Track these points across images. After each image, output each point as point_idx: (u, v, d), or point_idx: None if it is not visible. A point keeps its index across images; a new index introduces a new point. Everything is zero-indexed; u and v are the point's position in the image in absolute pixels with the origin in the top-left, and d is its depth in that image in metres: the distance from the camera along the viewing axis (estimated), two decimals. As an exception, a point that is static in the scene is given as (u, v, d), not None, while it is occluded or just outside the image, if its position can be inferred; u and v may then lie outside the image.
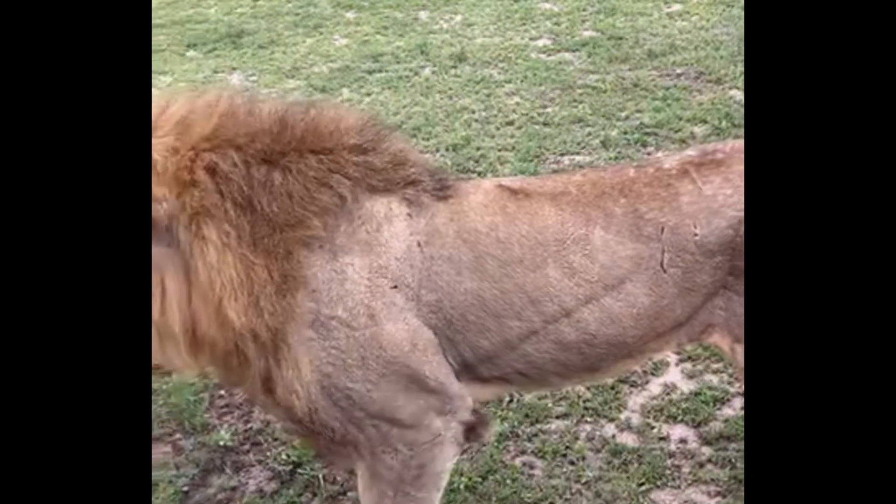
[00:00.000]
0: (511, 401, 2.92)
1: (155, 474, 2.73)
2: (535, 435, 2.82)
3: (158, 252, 1.71)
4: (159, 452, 2.83)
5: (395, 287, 1.84)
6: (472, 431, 2.02)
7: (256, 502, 2.63)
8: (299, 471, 2.72)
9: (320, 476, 2.69)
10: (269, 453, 2.81)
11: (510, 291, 1.88)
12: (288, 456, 2.76)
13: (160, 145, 1.72)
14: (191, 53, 6.41)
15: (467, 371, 1.96)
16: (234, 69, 6.07)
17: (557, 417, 2.88)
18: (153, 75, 6.00)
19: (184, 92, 1.87)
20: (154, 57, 6.32)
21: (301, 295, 1.78)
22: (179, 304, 1.74)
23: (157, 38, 6.69)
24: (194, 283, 1.73)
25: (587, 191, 1.93)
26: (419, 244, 1.87)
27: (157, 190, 1.69)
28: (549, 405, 2.92)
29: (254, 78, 5.89)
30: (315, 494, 2.66)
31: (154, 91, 1.74)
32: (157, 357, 1.88)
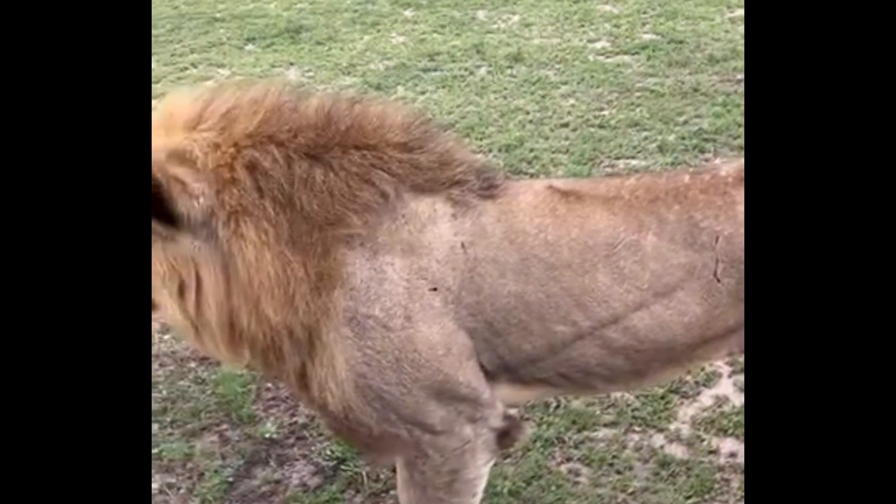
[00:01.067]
0: (557, 406, 2.89)
1: (202, 463, 2.76)
2: (582, 442, 2.78)
3: (194, 246, 1.73)
4: (206, 442, 2.86)
5: (435, 289, 1.81)
6: (504, 437, 1.99)
7: (299, 496, 2.64)
8: (343, 467, 2.72)
9: (364, 473, 2.69)
10: (313, 448, 2.81)
11: (556, 295, 1.85)
12: (332, 451, 2.76)
13: (202, 140, 1.72)
14: (249, 47, 6.48)
15: (507, 373, 1.94)
16: (291, 64, 6.12)
17: (605, 425, 2.83)
18: (212, 67, 6.09)
19: (231, 86, 1.87)
20: (213, 50, 6.42)
21: (337, 293, 1.77)
22: (216, 299, 1.75)
23: (218, 32, 6.78)
24: (233, 279, 1.74)
25: (640, 196, 1.89)
26: (463, 245, 1.84)
27: (196, 185, 1.70)
28: (597, 412, 2.87)
29: (310, 74, 5.93)
30: (358, 491, 2.65)
31: (204, 84, 1.75)
32: (199, 349, 1.92)
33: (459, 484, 1.95)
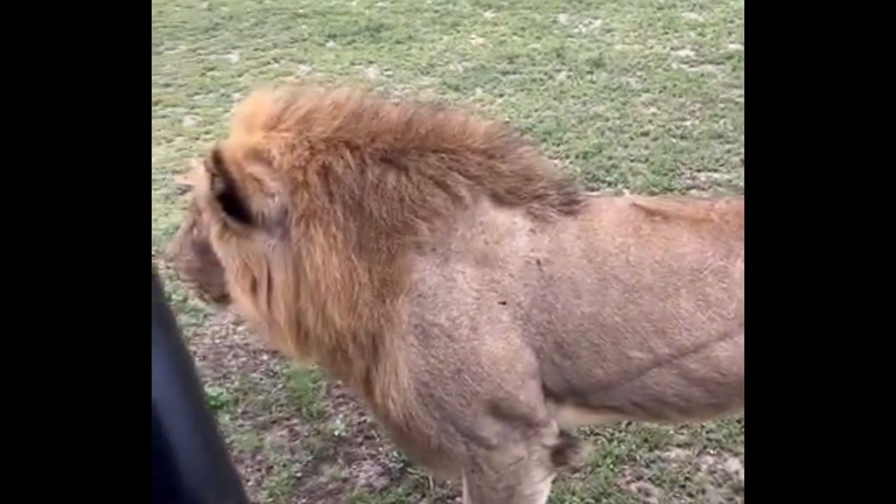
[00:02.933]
0: (629, 423, 2.82)
1: (271, 457, 2.79)
2: (654, 461, 2.71)
3: (268, 244, 1.73)
4: (276, 435, 2.89)
5: (504, 303, 1.77)
6: (560, 455, 1.94)
7: (365, 497, 2.64)
8: (410, 470, 2.71)
9: (430, 478, 2.67)
10: (381, 448, 2.81)
11: (635, 319, 1.77)
12: (399, 453, 2.76)
13: (280, 140, 1.73)
14: (330, 44, 6.55)
15: (574, 397, 1.88)
16: (370, 62, 6.16)
17: (678, 446, 2.76)
18: (293, 63, 6.17)
19: (315, 87, 1.87)
20: (295, 46, 6.51)
21: (402, 300, 1.74)
22: (286, 298, 1.75)
23: (300, 28, 6.88)
24: (302, 280, 1.73)
25: (731, 220, 1.81)
26: (539, 262, 1.79)
27: (272, 184, 1.70)
28: (671, 432, 2.80)
29: (389, 73, 5.96)
30: (424, 495, 2.64)
31: (288, 82, 1.76)
32: (270, 344, 1.90)
33: (517, 499, 1.91)
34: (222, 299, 1.90)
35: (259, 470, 2.76)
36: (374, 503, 2.63)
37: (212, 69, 6.19)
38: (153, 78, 6.04)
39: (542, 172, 1.88)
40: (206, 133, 5.15)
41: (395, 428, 1.90)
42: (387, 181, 1.73)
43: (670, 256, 1.79)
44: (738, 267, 1.76)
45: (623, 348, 1.78)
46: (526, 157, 1.88)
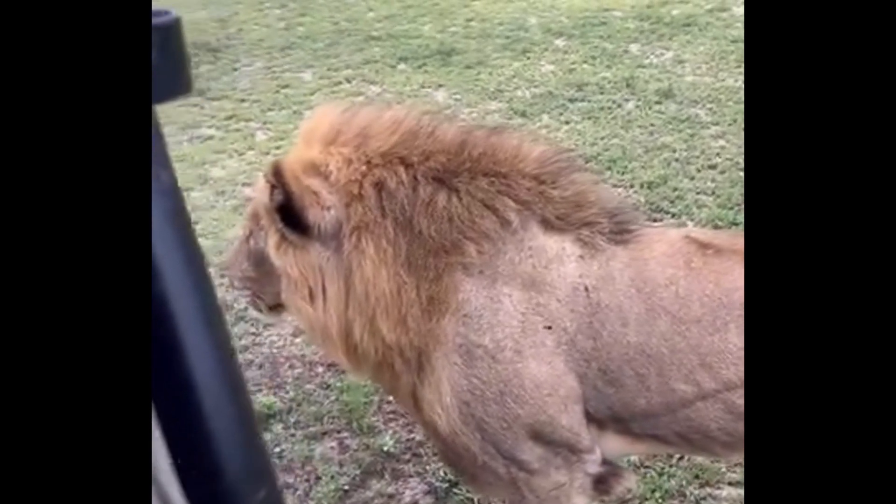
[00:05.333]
0: (681, 458, 2.77)
1: (320, 468, 2.83)
2: (704, 499, 2.66)
3: (323, 256, 1.76)
4: (326, 447, 2.93)
5: (549, 328, 1.76)
6: (602, 483, 1.92)
7: (410, 513, 2.66)
8: (455, 490, 2.71)
9: (476, 500, 2.67)
10: (428, 467, 2.82)
11: (681, 351, 1.75)
12: (445, 473, 2.76)
13: (338, 154, 1.76)
14: (401, 67, 6.65)
15: (616, 424, 1.86)
16: (440, 86, 6.24)
17: (730, 484, 2.70)
18: (365, 84, 6.29)
19: (376, 104, 1.91)
20: (367, 67, 6.63)
21: (448, 319, 1.76)
22: (337, 310, 1.78)
23: (373, 50, 7.01)
24: (352, 292, 1.76)
25: None
26: (587, 288, 1.78)
27: (329, 197, 1.74)
28: (722, 469, 2.74)
29: (458, 96, 6.03)
30: (468, 516, 2.64)
31: (353, 100, 1.80)
32: (325, 355, 1.89)
33: None
34: (276, 308, 1.95)
35: (307, 480, 2.80)
36: (419, 521, 2.64)
37: (286, 86, 6.35)
38: (229, 93, 6.23)
39: (595, 199, 1.87)
40: (277, 148, 5.27)
41: (441, 443, 1.91)
42: (437, 201, 1.75)
43: (720, 290, 1.76)
44: None
45: (668, 380, 1.77)
46: (578, 182, 1.88)
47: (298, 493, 2.75)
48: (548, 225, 1.81)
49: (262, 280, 1.90)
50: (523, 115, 5.59)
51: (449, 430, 1.82)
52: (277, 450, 2.91)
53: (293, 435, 2.98)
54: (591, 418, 1.85)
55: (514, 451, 1.83)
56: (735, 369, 1.75)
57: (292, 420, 3.05)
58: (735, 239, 1.88)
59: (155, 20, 0.44)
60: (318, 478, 2.79)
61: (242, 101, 6.10)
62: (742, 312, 1.75)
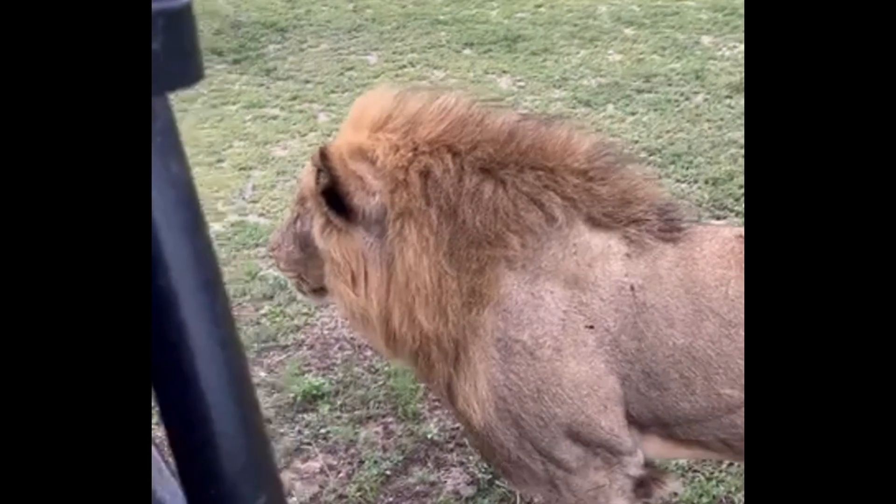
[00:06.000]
0: (731, 464, 2.70)
1: (363, 451, 2.84)
2: (753, 507, 2.58)
3: (366, 241, 1.75)
4: (371, 431, 2.93)
5: (591, 327, 1.72)
6: (643, 486, 1.88)
7: (450, 503, 2.64)
8: (498, 483, 2.69)
9: (518, 494, 2.64)
10: (471, 457, 2.81)
11: (729, 355, 1.69)
12: (489, 464, 2.74)
13: (385, 140, 1.75)
14: (467, 52, 6.61)
15: (659, 428, 1.81)
16: (504, 72, 6.18)
17: (782, 494, 2.62)
18: (429, 68, 6.27)
19: (426, 90, 1.88)
20: (432, 52, 6.61)
21: (488, 312, 1.73)
22: (378, 296, 1.77)
23: (439, 34, 6.98)
24: (393, 279, 1.75)
25: None
26: (632, 288, 1.73)
27: (374, 183, 1.73)
28: (775, 479, 2.66)
29: (521, 83, 5.96)
30: (509, 510, 2.62)
31: (415, 83, 1.77)
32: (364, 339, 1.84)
33: None
34: (318, 291, 1.95)
35: (351, 463, 2.81)
36: (459, 511, 2.63)
37: (350, 69, 6.37)
38: (294, 73, 6.28)
39: (644, 195, 1.82)
40: (339, 130, 5.30)
41: (476, 437, 1.89)
42: (483, 191, 1.72)
43: None
44: None
45: (714, 384, 1.71)
46: (628, 178, 1.83)
47: (341, 475, 2.77)
48: (594, 222, 1.77)
49: (307, 263, 1.90)
50: (587, 104, 5.50)
51: (484, 425, 1.80)
52: (323, 431, 2.92)
53: (339, 417, 3.00)
54: (634, 421, 1.80)
55: (552, 450, 1.80)
56: None
57: (339, 402, 3.06)
58: None
59: (162, 4, 0.42)
60: (362, 462, 2.80)
61: (307, 82, 6.15)
62: None
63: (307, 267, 1.91)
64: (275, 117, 5.56)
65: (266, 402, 3.10)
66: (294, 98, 5.85)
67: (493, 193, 1.72)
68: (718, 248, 1.78)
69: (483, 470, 2.74)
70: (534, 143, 1.78)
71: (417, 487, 2.72)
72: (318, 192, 1.76)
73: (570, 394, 1.74)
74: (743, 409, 1.71)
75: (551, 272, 1.74)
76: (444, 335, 1.74)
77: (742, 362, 1.69)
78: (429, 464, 2.79)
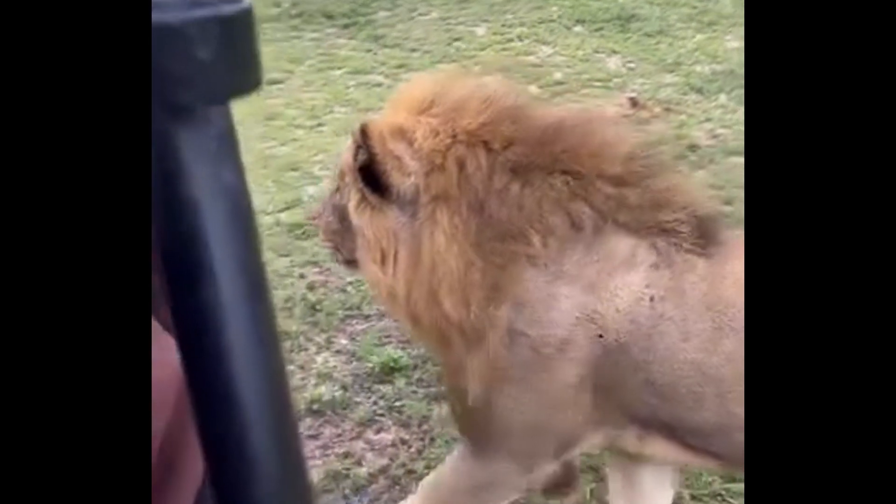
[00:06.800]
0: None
1: (435, 429, 2.83)
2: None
3: (398, 221, 1.77)
4: (444, 409, 2.92)
5: (602, 337, 1.71)
6: (554, 487, 1.96)
7: (519, 491, 2.61)
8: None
9: (588, 489, 2.59)
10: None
11: (740, 376, 1.62)
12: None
13: (426, 123, 1.76)
14: (577, 29, 6.46)
15: (666, 431, 1.81)
16: (614, 52, 6.01)
17: None
18: (537, 44, 6.16)
19: (474, 77, 1.88)
20: (542, 27, 6.49)
21: (506, 307, 1.74)
22: (405, 276, 1.79)
23: (550, 9, 6.84)
24: (421, 261, 1.77)
25: None
26: (652, 299, 1.70)
27: (411, 163, 1.74)
28: None
29: (632, 65, 5.78)
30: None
31: (456, 67, 1.85)
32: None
33: (481, 494, 1.96)
34: (352, 263, 1.98)
35: (422, 439, 2.81)
36: (522, 500, 2.59)
37: (458, 39, 6.32)
38: (402, 42, 6.28)
39: (683, 202, 1.77)
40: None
41: (463, 411, 1.94)
42: (511, 189, 1.72)
43: None
44: None
45: (726, 402, 1.69)
46: (665, 184, 1.78)
47: (412, 450, 2.77)
48: (623, 227, 1.74)
49: (343, 235, 1.93)
50: (699, 91, 5.29)
51: (474, 400, 1.84)
52: (398, 404, 2.93)
53: (415, 392, 3.00)
54: (637, 419, 1.81)
55: (505, 432, 1.85)
56: None
57: (415, 377, 3.06)
58: None
59: (215, 10, 0.39)
60: (433, 439, 2.80)
61: (414, 50, 6.13)
62: None
63: (343, 239, 1.94)
64: (379, 84, 5.58)
65: (345, 370, 3.13)
66: (400, 66, 5.85)
67: (520, 192, 1.72)
68: None
69: (554, 461, 2.70)
70: (570, 146, 1.75)
71: (486, 471, 2.69)
72: (354, 167, 1.79)
73: (553, 395, 1.77)
74: None
75: (572, 276, 1.73)
76: (467, 324, 1.76)
77: None
78: (500, 449, 2.76)
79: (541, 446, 1.86)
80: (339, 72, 5.76)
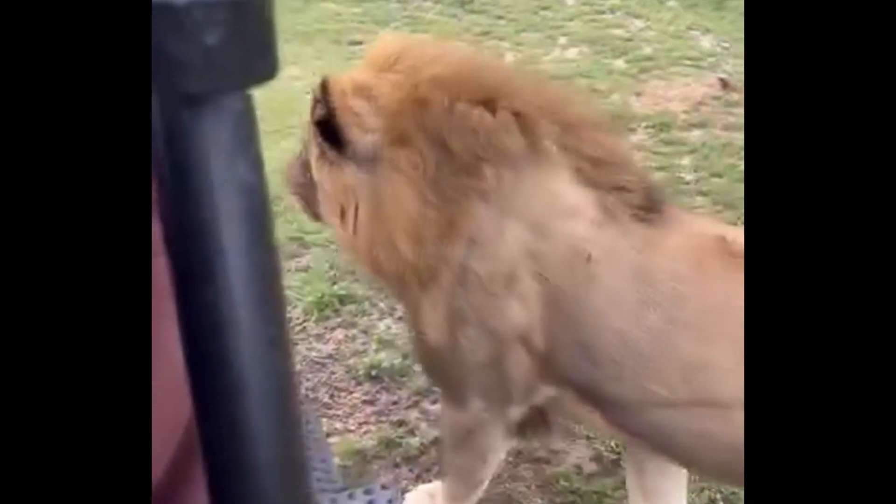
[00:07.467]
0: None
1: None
2: None
3: (357, 177, 1.80)
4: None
5: (542, 277, 1.74)
6: (527, 428, 1.97)
7: (569, 475, 2.57)
8: (623, 465, 2.59)
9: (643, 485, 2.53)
10: (599, 434, 2.71)
11: (662, 354, 1.69)
12: (616, 445, 2.64)
13: (390, 80, 1.79)
14: (672, 3, 6.23)
15: (594, 402, 1.82)
16: (708, 31, 5.78)
17: None
18: (628, 17, 5.98)
19: (439, 39, 1.98)
20: (634, 0, 6.28)
21: (459, 244, 1.77)
22: (364, 230, 1.83)
23: (646, -18, 6.62)
24: (380, 212, 1.80)
25: None
26: (588, 257, 1.72)
27: (370, 121, 1.77)
28: None
29: (726, 45, 5.56)
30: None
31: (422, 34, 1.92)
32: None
33: (470, 444, 1.99)
34: (319, 217, 2.04)
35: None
36: (578, 485, 2.55)
37: (545, 8, 6.17)
38: (489, 8, 6.17)
39: (635, 168, 1.81)
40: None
41: (423, 353, 2.00)
42: (472, 115, 1.73)
43: (725, 305, 1.63)
44: None
45: (642, 377, 1.70)
46: (619, 146, 1.83)
47: (466, 424, 2.76)
48: (577, 174, 1.76)
49: (308, 188, 1.97)
50: (795, 76, 5.05)
51: (434, 345, 1.88)
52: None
53: (474, 366, 2.98)
54: (570, 383, 1.82)
55: (469, 375, 1.88)
56: (715, 388, 1.65)
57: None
58: None
59: None
60: (488, 415, 2.78)
61: (500, 17, 6.03)
62: (739, 331, 1.58)
63: (309, 192, 1.98)
64: (462, 51, 5.51)
65: (405, 338, 3.12)
66: (484, 33, 5.75)
67: (481, 116, 1.72)
68: (688, 242, 1.74)
69: (610, 449, 2.65)
70: (529, 92, 1.79)
71: (539, 453, 2.66)
72: (312, 122, 1.83)
73: (504, 333, 1.78)
74: (666, 410, 1.71)
75: (519, 213, 1.74)
76: (422, 263, 1.80)
77: (675, 363, 1.68)
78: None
79: (503, 388, 1.88)
80: (423, 35, 5.71)
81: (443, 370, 1.96)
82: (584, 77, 5.04)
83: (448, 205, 1.75)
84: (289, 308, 3.25)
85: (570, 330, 1.76)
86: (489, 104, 1.75)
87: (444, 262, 1.79)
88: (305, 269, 3.40)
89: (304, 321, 3.16)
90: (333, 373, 2.95)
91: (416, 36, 2.02)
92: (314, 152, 1.87)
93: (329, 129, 1.79)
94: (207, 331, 0.41)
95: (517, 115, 1.74)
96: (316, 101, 1.80)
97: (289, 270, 3.40)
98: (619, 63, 5.27)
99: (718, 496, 2.47)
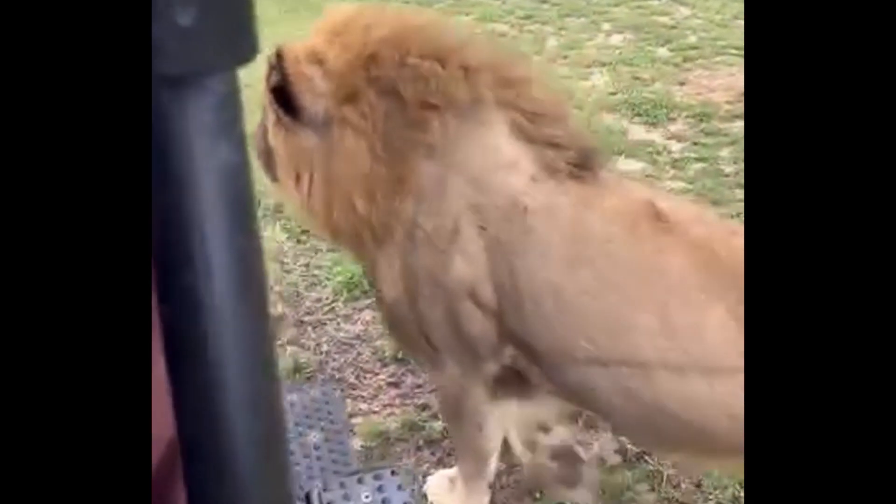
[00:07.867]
0: None
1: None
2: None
3: (311, 142, 1.84)
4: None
5: (484, 229, 1.78)
6: (506, 387, 1.99)
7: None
8: (647, 459, 2.57)
9: (665, 474, 2.51)
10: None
11: (590, 310, 1.75)
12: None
13: (339, 43, 1.82)
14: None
15: (537, 362, 1.85)
16: (756, 19, 5.66)
17: None
18: (674, 4, 5.87)
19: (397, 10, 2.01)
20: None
21: (409, 200, 1.81)
22: (319, 193, 1.87)
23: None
24: (334, 173, 1.84)
25: (738, 262, 1.54)
26: (525, 209, 1.76)
27: (321, 84, 1.80)
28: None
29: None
30: (653, 489, 2.50)
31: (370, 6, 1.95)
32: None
33: (460, 408, 2.02)
34: (278, 180, 2.07)
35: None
36: (601, 476, 2.53)
37: (591, -7, 6.09)
38: (533, -8, 6.10)
39: (572, 128, 1.86)
40: (565, 57, 5.11)
41: (385, 312, 2.02)
42: (423, 66, 1.77)
43: (651, 267, 1.72)
44: (719, 313, 1.65)
45: (569, 333, 1.76)
46: (563, 108, 1.88)
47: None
48: (515, 129, 1.79)
49: (269, 154, 1.99)
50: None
51: (391, 302, 1.91)
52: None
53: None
54: (515, 340, 1.85)
55: (431, 333, 1.90)
56: (637, 350, 1.70)
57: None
58: (696, 220, 1.80)
59: None
60: (513, 403, 2.77)
61: (543, 1, 5.96)
62: (664, 299, 1.71)
63: (269, 157, 2.00)
64: (504, 34, 5.45)
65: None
66: (527, 17, 5.70)
67: (430, 66, 1.76)
68: (621, 204, 1.78)
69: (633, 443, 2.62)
70: (482, 48, 1.84)
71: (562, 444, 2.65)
72: (268, 89, 1.83)
73: (451, 287, 1.81)
74: (591, 367, 1.76)
75: (460, 166, 1.78)
76: (375, 219, 1.84)
77: (601, 321, 1.73)
78: (579, 422, 2.71)
79: (469, 348, 1.90)
80: (465, 17, 5.67)
81: (403, 329, 1.98)
82: (627, 64, 4.96)
83: (397, 160, 1.79)
84: (318, 288, 3.27)
85: (510, 284, 1.80)
86: (440, 58, 1.79)
87: (395, 218, 1.84)
88: (335, 250, 3.41)
89: (333, 301, 3.18)
90: (360, 354, 2.96)
91: (365, 3, 2.01)
92: (271, 119, 1.92)
93: (284, 96, 1.82)
94: (185, 315, 0.40)
95: (465, 69, 1.80)
96: (271, 69, 1.83)
97: (319, 251, 3.42)
98: (663, 51, 5.18)
99: (742, 494, 2.44)
